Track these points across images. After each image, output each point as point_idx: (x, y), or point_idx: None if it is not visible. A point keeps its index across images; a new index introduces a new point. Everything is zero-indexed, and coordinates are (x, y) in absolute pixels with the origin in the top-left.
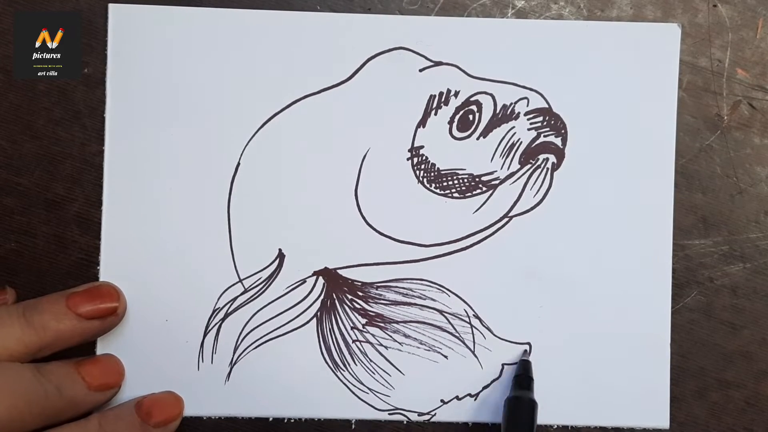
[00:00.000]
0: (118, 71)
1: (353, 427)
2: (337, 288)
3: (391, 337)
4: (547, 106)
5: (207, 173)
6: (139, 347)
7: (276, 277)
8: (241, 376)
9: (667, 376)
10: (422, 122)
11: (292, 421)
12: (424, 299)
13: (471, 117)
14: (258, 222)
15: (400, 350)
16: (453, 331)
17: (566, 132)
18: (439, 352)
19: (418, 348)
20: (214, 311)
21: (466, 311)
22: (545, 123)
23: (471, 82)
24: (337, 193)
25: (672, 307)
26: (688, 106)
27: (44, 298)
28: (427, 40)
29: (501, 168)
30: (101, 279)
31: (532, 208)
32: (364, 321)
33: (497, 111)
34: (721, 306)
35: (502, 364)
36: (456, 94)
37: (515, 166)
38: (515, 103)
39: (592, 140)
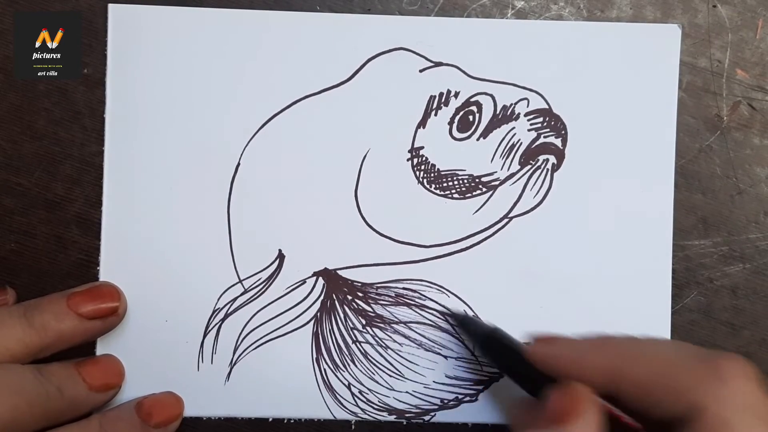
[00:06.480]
0: (118, 71)
1: (353, 427)
2: (337, 289)
3: (390, 337)
4: (547, 106)
5: (207, 173)
6: (139, 347)
7: (276, 277)
8: (241, 377)
9: None
10: (422, 123)
11: (292, 421)
12: (424, 300)
13: (471, 118)
14: (258, 222)
15: (400, 351)
16: (453, 331)
17: (566, 133)
18: (439, 353)
19: (418, 348)
20: (214, 312)
21: (466, 312)
22: (545, 124)
23: (471, 83)
24: (337, 194)
25: (672, 308)
26: (687, 106)
27: (45, 299)
28: (427, 40)
29: (501, 169)
30: (101, 279)
31: (532, 209)
32: (363, 322)
33: (497, 112)
34: (720, 306)
35: None
36: (456, 94)
37: (515, 166)
38: (515, 103)
39: (592, 141)
